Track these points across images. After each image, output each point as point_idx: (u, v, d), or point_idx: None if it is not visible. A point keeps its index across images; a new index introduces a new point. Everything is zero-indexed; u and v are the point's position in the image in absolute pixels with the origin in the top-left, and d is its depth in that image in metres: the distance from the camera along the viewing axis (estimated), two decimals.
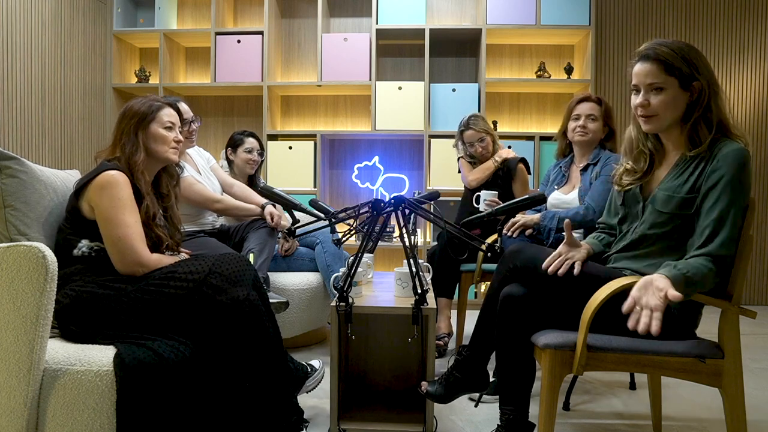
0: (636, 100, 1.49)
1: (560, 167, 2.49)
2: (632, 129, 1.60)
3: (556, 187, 2.46)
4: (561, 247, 1.54)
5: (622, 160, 1.66)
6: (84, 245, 1.53)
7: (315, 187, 3.97)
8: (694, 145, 1.45)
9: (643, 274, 1.48)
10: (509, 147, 3.77)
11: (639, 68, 1.46)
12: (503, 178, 2.89)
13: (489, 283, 1.74)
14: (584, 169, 2.35)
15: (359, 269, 1.83)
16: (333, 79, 3.95)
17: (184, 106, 2.51)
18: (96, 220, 1.53)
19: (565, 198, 2.38)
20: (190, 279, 1.47)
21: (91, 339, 1.44)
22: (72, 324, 1.45)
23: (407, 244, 1.76)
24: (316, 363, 1.90)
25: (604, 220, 1.73)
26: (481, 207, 2.66)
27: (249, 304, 1.47)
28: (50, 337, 1.44)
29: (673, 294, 1.23)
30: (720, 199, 1.36)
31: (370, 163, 4.23)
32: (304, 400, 1.95)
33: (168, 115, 1.71)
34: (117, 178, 1.52)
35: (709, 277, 1.33)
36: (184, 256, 1.76)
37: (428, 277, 2.19)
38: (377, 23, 3.95)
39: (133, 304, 1.44)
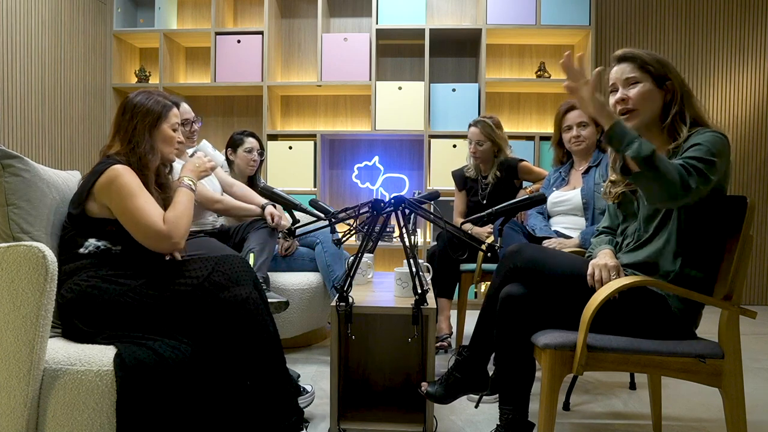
0: (614, 98, 1.55)
1: (560, 172, 2.51)
2: None
3: (554, 188, 2.48)
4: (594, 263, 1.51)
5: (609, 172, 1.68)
6: (91, 244, 1.54)
7: (315, 187, 3.97)
8: (674, 140, 1.49)
9: (645, 265, 1.49)
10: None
11: (615, 70, 1.57)
12: (505, 181, 2.90)
13: (489, 283, 1.74)
14: (586, 172, 2.37)
15: (359, 269, 1.83)
16: (333, 79, 3.95)
17: (185, 107, 2.51)
18: (108, 218, 1.54)
19: (566, 195, 2.40)
20: (195, 276, 1.49)
21: (92, 337, 1.44)
22: (75, 318, 1.46)
23: (407, 244, 1.76)
24: (308, 387, 1.95)
25: (609, 225, 1.73)
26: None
27: (252, 302, 1.49)
28: (51, 337, 1.45)
29: None
30: (693, 153, 1.37)
31: (370, 163, 4.23)
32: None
33: (175, 115, 1.75)
34: (119, 170, 1.54)
35: (670, 168, 1.29)
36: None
37: (428, 277, 2.19)
38: (377, 23, 3.95)
39: (137, 300, 1.45)
